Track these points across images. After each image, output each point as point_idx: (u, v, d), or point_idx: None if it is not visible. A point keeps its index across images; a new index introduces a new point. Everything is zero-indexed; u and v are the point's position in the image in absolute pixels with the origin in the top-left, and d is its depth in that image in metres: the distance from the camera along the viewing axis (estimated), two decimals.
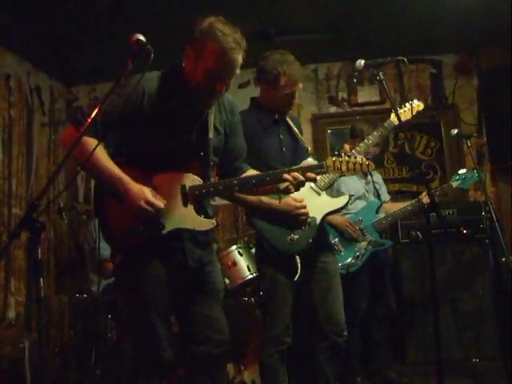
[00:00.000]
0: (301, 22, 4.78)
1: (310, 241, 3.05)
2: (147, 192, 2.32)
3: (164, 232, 2.38)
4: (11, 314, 4.66)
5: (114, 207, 2.39)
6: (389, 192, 4.55)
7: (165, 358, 2.47)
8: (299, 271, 3.01)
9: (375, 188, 4.21)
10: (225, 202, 5.70)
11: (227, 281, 4.06)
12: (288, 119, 3.27)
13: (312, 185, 3.08)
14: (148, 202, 2.30)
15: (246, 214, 3.17)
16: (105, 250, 2.79)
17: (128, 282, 2.48)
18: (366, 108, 5.78)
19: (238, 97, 5.82)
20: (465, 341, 4.56)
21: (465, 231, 4.74)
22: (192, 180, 2.43)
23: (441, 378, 2.55)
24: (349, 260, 3.83)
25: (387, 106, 5.61)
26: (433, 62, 5.75)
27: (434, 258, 2.69)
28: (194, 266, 2.53)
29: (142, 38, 2.12)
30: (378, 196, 4.22)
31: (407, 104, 3.37)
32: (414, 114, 3.35)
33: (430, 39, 5.18)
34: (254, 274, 4.05)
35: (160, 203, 2.34)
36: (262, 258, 3.15)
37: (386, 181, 4.59)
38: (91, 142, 2.28)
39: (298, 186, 2.50)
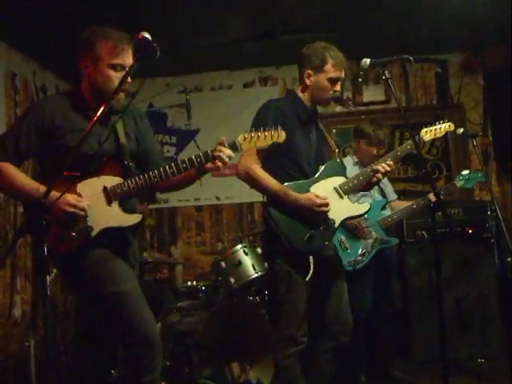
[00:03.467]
0: (306, 21, 4.78)
1: (326, 243, 3.03)
2: (68, 196, 2.40)
3: (93, 234, 2.46)
4: (17, 312, 4.67)
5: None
6: (394, 191, 4.54)
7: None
8: (311, 272, 2.96)
9: (379, 187, 4.20)
10: (229, 201, 5.77)
11: (232, 280, 4.06)
12: (318, 119, 3.28)
13: (336, 186, 3.08)
14: (71, 205, 2.39)
15: (265, 205, 3.10)
16: None
17: (79, 280, 2.54)
18: (372, 107, 5.78)
19: (244, 96, 5.95)
20: (470, 340, 4.55)
21: (470, 230, 4.73)
22: (113, 181, 2.54)
23: (446, 377, 2.55)
24: (355, 257, 3.83)
25: (392, 105, 5.61)
26: (438, 61, 5.74)
27: (439, 257, 2.70)
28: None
29: (147, 35, 2.14)
30: (383, 194, 4.23)
31: (437, 123, 3.34)
32: (442, 134, 3.33)
33: (436, 38, 5.17)
34: (260, 273, 4.04)
35: (83, 204, 2.43)
36: (275, 252, 3.05)
37: (391, 180, 4.58)
38: (5, 166, 2.47)
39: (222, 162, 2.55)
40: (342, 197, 3.07)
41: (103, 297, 2.50)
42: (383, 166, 3.04)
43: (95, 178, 2.53)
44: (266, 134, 2.64)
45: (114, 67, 2.52)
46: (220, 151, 2.51)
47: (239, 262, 4.10)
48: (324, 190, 3.02)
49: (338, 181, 3.10)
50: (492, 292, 4.60)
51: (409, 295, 4.81)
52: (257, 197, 3.20)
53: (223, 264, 4.13)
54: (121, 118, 2.64)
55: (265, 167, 3.08)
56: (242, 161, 3.02)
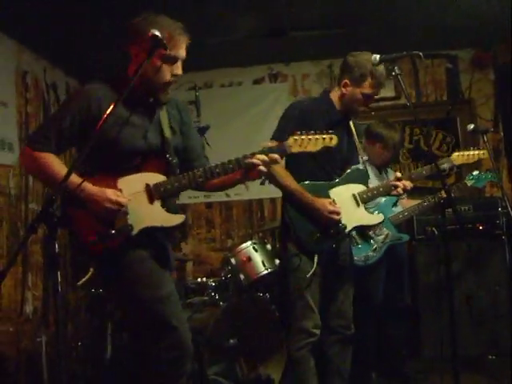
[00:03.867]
0: (315, 17, 4.77)
1: (334, 246, 3.08)
2: (109, 192, 2.33)
3: (134, 233, 2.37)
4: (28, 308, 4.70)
5: (81, 218, 2.37)
6: None
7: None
8: (313, 269, 3.01)
9: None
10: (239, 198, 5.77)
11: (242, 276, 4.06)
12: (351, 124, 3.28)
13: (355, 193, 3.11)
14: (111, 201, 2.31)
15: (283, 200, 3.16)
16: None
17: (118, 279, 2.45)
18: (381, 103, 5.75)
19: (254, 92, 5.93)
20: (480, 337, 4.53)
21: (481, 227, 4.71)
22: (156, 178, 2.45)
23: (456, 375, 2.55)
24: (366, 253, 3.83)
25: (402, 101, 5.59)
26: (448, 56, 5.71)
27: (449, 253, 2.69)
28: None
29: (157, 33, 2.16)
30: None
31: (471, 148, 3.36)
32: (475, 160, 3.36)
33: (446, 34, 5.14)
34: (269, 270, 4.04)
35: (123, 199, 2.34)
36: (290, 246, 3.11)
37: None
38: (46, 156, 2.39)
39: (267, 166, 2.50)
40: (358, 204, 3.11)
41: (139, 299, 2.42)
42: (404, 184, 3.14)
43: (137, 175, 2.44)
44: (317, 137, 2.56)
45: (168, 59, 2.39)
46: (253, 163, 2.46)
47: (249, 259, 4.10)
48: (342, 195, 3.08)
49: (357, 188, 3.15)
50: (503, 289, 4.57)
51: (419, 292, 4.79)
52: (266, 193, 3.22)
53: (233, 261, 4.14)
54: (165, 111, 2.57)
55: (289, 165, 3.13)
56: None
